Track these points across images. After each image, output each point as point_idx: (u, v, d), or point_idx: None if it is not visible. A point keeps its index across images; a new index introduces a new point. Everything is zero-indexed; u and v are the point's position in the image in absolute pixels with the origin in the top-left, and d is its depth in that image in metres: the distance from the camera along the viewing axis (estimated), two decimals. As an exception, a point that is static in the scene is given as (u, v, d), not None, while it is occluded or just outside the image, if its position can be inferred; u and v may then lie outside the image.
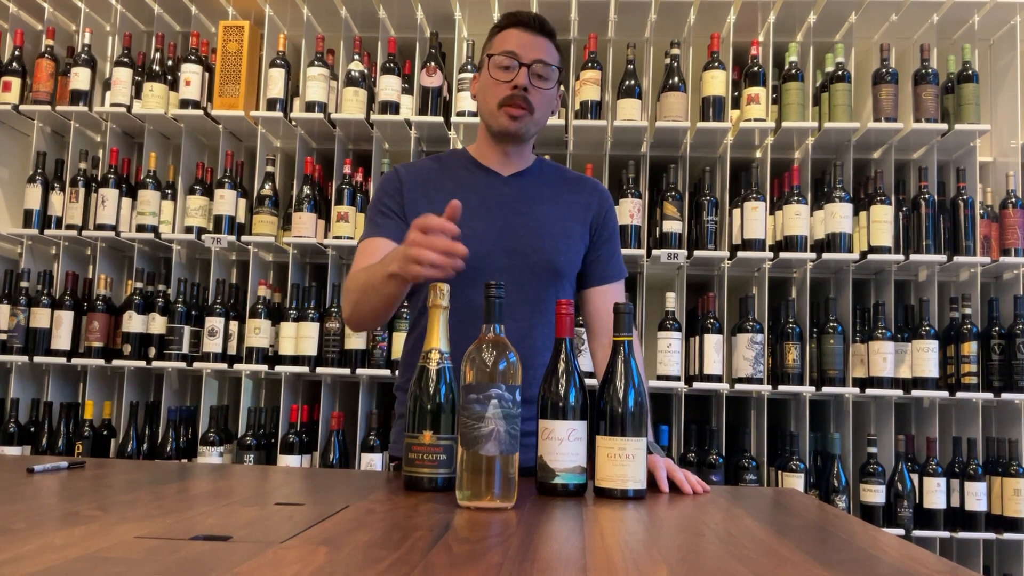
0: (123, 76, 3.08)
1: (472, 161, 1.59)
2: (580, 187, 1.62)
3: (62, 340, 2.96)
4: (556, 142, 3.08)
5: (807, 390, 2.80)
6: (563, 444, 1.16)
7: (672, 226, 2.90)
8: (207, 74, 3.11)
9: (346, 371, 2.86)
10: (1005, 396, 2.75)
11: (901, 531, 2.65)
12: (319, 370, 2.87)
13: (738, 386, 2.79)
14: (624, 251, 2.53)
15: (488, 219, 1.50)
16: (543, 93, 1.49)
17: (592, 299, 1.62)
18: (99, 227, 3.03)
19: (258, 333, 2.90)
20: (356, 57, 3.03)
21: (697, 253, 2.87)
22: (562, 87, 3.01)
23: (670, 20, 3.06)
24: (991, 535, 2.69)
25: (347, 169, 3.00)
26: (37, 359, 2.96)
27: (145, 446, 2.92)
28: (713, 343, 2.80)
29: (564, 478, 1.15)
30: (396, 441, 1.57)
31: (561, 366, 1.20)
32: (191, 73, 3.05)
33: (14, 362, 2.99)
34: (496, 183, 1.56)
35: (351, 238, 2.93)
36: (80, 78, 3.08)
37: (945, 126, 2.85)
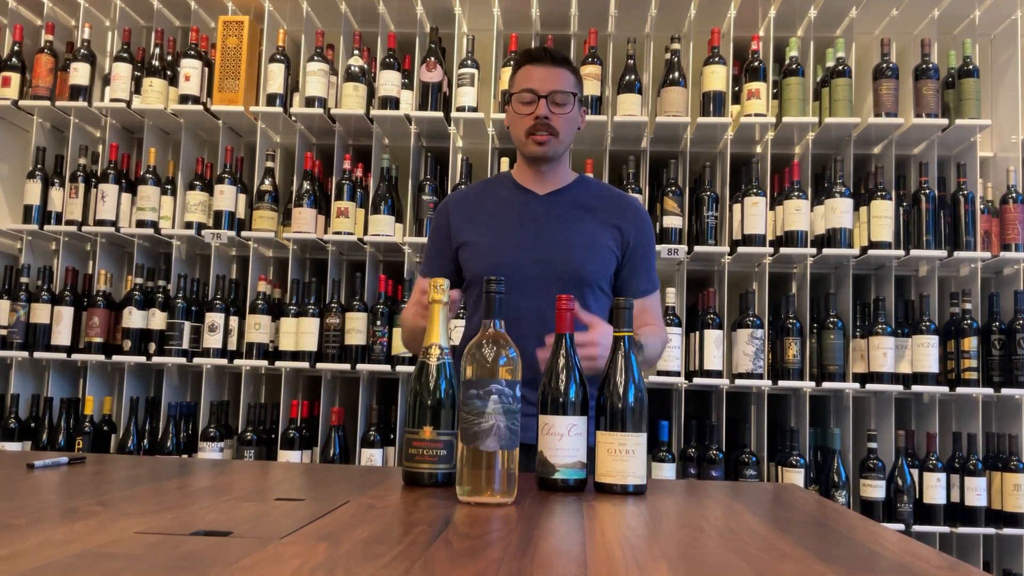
0: (123, 71, 3.08)
1: (513, 183, 1.77)
2: (615, 205, 1.75)
3: (62, 336, 2.96)
4: (556, 137, 3.07)
5: (807, 385, 2.80)
6: (563, 439, 1.16)
7: (672, 221, 2.90)
8: (207, 69, 3.11)
9: (346, 366, 2.86)
10: (1005, 391, 2.75)
11: (901, 526, 2.65)
12: (319, 365, 2.87)
13: (738, 381, 2.79)
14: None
15: (521, 234, 1.68)
16: (564, 117, 1.66)
17: None
18: (99, 223, 3.03)
19: (258, 329, 2.90)
20: (356, 52, 3.02)
21: (697, 248, 2.87)
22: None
23: (670, 15, 3.05)
24: (991, 530, 2.69)
25: (347, 164, 3.00)
26: (37, 355, 2.96)
27: (145, 442, 2.92)
28: (713, 338, 2.80)
29: (564, 473, 1.15)
30: None
31: (561, 362, 1.20)
32: (191, 68, 3.05)
33: (14, 358, 2.99)
34: (532, 201, 1.72)
35: (351, 233, 2.93)
36: (79, 73, 3.08)
37: (946, 121, 2.85)
